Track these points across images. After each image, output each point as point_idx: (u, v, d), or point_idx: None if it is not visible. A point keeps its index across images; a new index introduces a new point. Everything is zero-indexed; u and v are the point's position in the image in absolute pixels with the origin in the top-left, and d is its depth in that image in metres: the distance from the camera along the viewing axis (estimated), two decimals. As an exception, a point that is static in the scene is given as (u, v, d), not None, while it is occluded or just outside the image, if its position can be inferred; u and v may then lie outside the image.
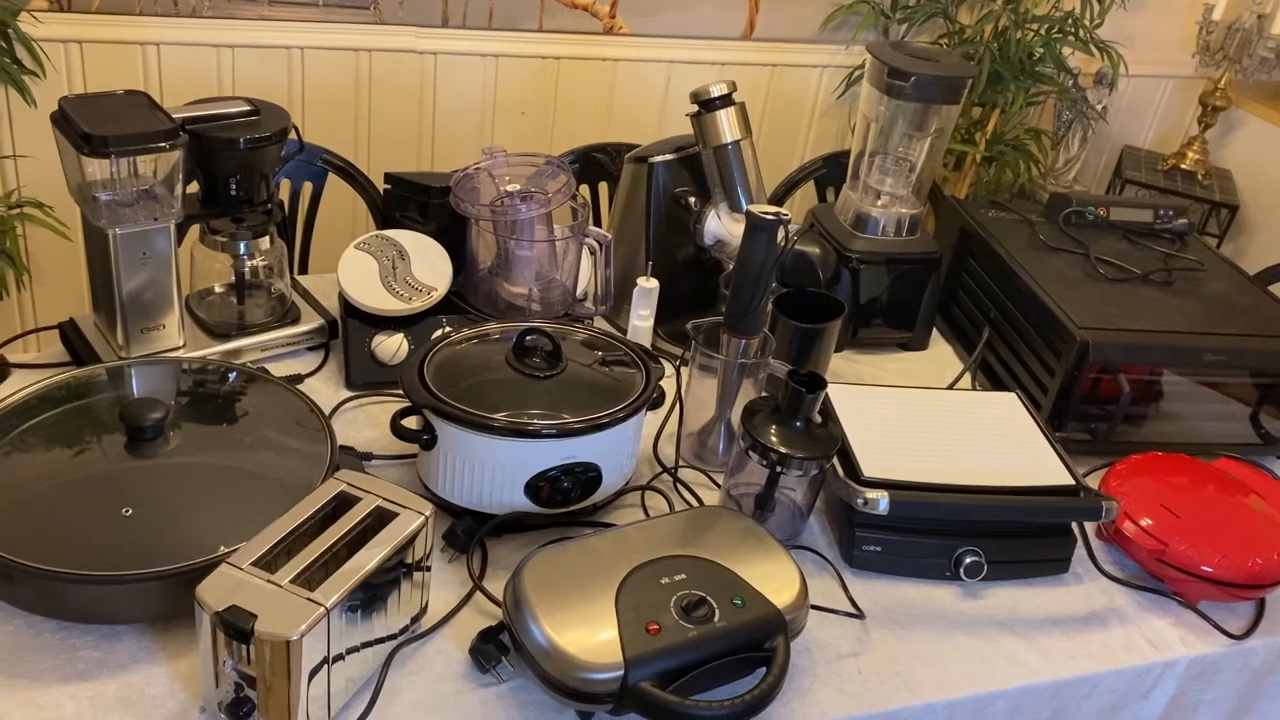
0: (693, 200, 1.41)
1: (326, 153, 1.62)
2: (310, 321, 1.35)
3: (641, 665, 0.86)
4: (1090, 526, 1.21)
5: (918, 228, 1.51)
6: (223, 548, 0.89)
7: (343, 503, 0.91)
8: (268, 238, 1.29)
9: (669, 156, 1.41)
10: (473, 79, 2.19)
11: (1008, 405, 1.26)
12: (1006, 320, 1.44)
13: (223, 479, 0.98)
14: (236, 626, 0.77)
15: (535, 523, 1.08)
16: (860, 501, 1.05)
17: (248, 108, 1.23)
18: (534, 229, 1.32)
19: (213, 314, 1.31)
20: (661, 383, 1.14)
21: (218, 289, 1.33)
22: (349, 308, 1.30)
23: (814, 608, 1.04)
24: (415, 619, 0.95)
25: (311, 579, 0.83)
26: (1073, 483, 1.12)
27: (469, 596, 1.00)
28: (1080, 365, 1.27)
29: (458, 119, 2.22)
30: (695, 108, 1.37)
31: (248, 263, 1.29)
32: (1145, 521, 1.15)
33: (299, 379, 1.29)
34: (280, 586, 0.80)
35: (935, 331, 1.59)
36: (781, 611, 0.93)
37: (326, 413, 1.09)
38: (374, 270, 1.32)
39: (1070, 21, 2.27)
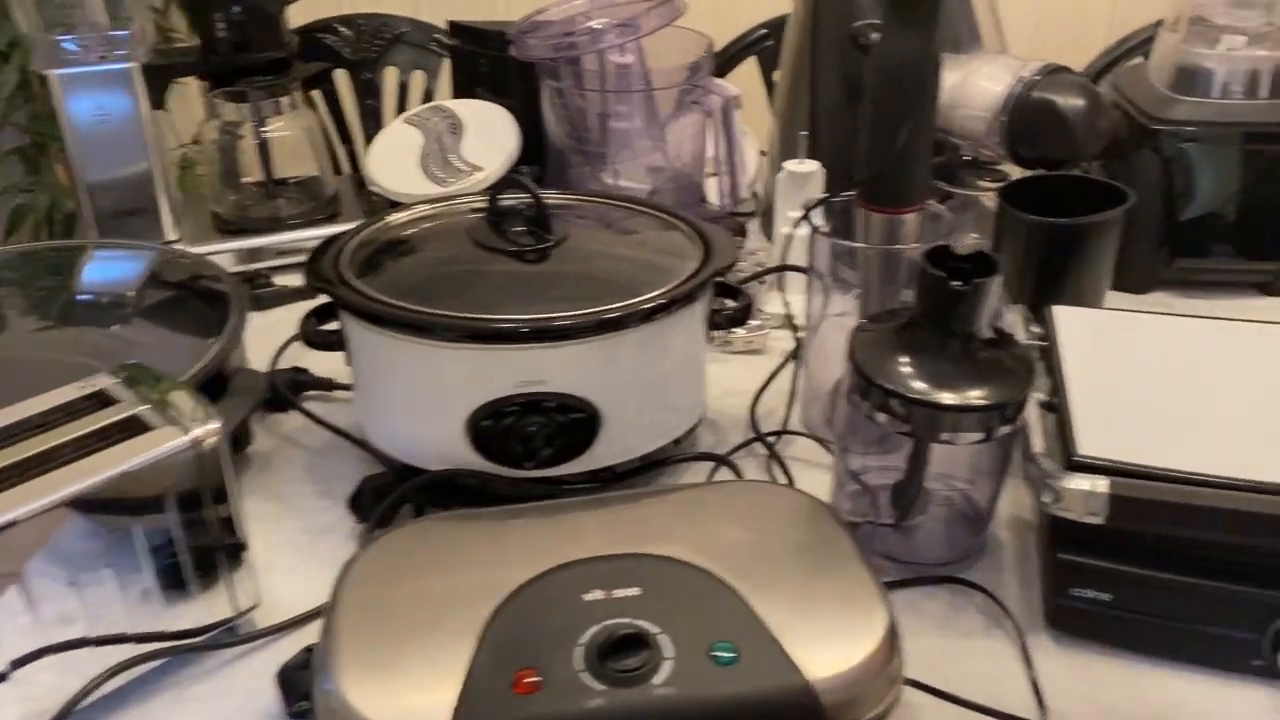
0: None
1: (439, 31, 1.34)
2: (350, 220, 1.07)
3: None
4: None
5: (1291, 84, 0.95)
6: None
7: (97, 404, 0.59)
8: (288, 99, 1.03)
9: (850, -28, 0.97)
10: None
11: None
12: None
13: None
14: None
15: (500, 490, 0.70)
16: (1048, 497, 0.57)
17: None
18: (624, 78, 0.95)
19: (228, 207, 1.07)
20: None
21: (246, 180, 1.09)
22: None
23: (921, 687, 0.57)
24: (231, 620, 0.62)
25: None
26: None
27: (344, 593, 0.65)
28: None
29: None
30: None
31: (260, 133, 1.03)
32: None
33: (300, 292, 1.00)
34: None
35: (1328, 267, 1.00)
36: (813, 685, 0.48)
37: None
38: (416, 148, 1.02)
39: None
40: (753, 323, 0.92)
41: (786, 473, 0.75)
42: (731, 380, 0.86)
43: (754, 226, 1.10)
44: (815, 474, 0.76)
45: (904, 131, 0.67)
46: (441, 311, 0.65)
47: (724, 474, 0.75)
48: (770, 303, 0.94)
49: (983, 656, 0.61)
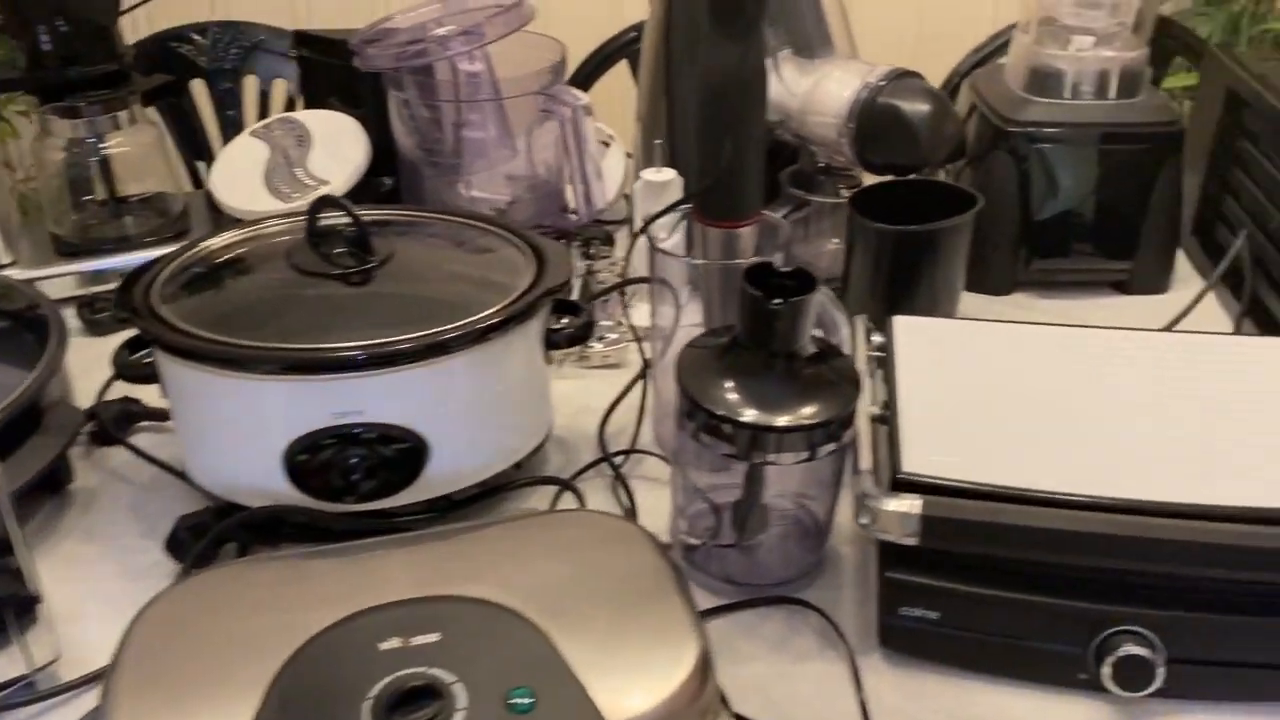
0: (733, 43, 0.95)
1: (295, 36, 1.30)
2: (199, 240, 1.03)
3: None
4: None
5: (1138, 85, 0.96)
6: None
7: None
8: (127, 114, 0.98)
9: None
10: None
11: (1272, 359, 0.69)
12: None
13: None
14: None
15: (330, 526, 0.68)
16: (865, 518, 0.56)
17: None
18: (473, 86, 0.93)
19: (69, 228, 1.02)
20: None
21: (87, 199, 1.04)
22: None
23: (739, 718, 0.56)
24: (26, 677, 0.58)
25: None
26: (1376, 507, 0.56)
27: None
28: None
29: None
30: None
31: (100, 150, 0.99)
32: None
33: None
34: None
35: (1183, 262, 1.02)
36: (612, 729, 0.47)
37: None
38: (261, 162, 0.98)
39: None
40: (610, 336, 0.91)
41: (630, 495, 0.73)
42: (587, 397, 0.85)
43: (623, 235, 1.08)
44: (664, 493, 0.74)
45: (728, 145, 0.66)
46: (248, 342, 0.62)
47: (568, 498, 0.74)
48: (633, 314, 0.92)
49: (815, 678, 0.60)
